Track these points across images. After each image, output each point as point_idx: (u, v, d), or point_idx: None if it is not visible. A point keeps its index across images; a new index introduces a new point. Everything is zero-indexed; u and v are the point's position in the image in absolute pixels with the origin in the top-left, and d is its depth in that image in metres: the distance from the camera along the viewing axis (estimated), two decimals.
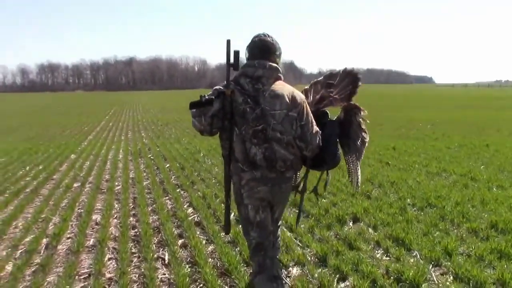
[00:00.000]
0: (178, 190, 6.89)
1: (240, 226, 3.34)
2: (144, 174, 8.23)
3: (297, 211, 3.45)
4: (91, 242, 4.73)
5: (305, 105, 2.94)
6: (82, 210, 5.92)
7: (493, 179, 7.14)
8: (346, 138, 3.14)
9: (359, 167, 3.22)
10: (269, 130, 2.83)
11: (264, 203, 2.98)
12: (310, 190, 3.36)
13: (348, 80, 3.29)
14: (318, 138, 2.97)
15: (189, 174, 8.06)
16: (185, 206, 5.97)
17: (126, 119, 24.38)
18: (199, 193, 6.64)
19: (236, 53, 2.77)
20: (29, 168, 9.19)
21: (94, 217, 5.63)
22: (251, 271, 3.55)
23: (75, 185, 7.50)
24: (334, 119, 3.20)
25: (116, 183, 7.50)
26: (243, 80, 2.88)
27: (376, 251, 4.26)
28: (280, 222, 3.35)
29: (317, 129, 2.99)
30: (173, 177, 7.88)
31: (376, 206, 5.67)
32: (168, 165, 9.04)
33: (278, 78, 2.94)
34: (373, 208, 5.60)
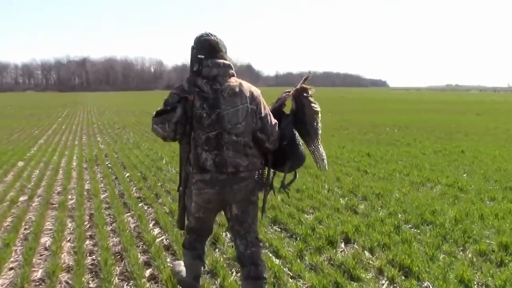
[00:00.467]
0: (141, 204, 6.13)
1: (186, 216, 3.22)
2: (102, 185, 7.40)
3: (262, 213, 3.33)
4: (38, 274, 3.92)
5: (261, 98, 3.03)
6: (28, 231, 5.08)
7: (483, 190, 6.72)
8: (302, 125, 3.09)
9: (322, 149, 3.15)
10: (224, 134, 2.86)
11: (210, 205, 3.00)
12: (279, 187, 3.30)
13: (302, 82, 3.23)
14: (277, 129, 3.02)
15: (152, 185, 7.28)
16: (151, 225, 5.23)
17: (80, 121, 23.10)
18: (165, 208, 5.91)
19: (200, 60, 2.85)
20: None
21: (43, 239, 4.80)
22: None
23: (21, 199, 6.60)
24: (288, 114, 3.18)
25: (70, 196, 6.64)
26: (200, 82, 2.89)
27: (381, 282, 3.67)
28: (254, 230, 3.18)
29: (275, 120, 3.05)
30: (134, 188, 7.09)
31: (367, 224, 5.10)
32: (128, 174, 8.23)
33: (232, 75, 2.99)
34: (364, 225, 5.03)
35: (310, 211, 5.76)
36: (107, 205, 6.11)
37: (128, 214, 5.71)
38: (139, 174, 8.24)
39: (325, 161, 3.15)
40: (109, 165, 9.33)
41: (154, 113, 2.87)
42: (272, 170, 3.21)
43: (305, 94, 3.09)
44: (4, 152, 11.44)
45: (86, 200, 6.44)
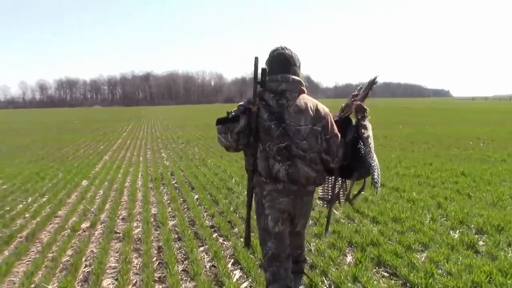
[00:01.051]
0: (215, 235, 5.32)
1: (258, 236, 3.18)
2: (169, 209, 6.69)
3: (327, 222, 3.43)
4: None
5: (329, 118, 3.01)
6: (89, 269, 4.38)
7: None
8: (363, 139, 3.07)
9: (377, 166, 2.97)
10: (293, 147, 2.86)
11: (284, 215, 2.99)
12: (345, 199, 3.34)
13: (369, 86, 3.33)
14: (342, 149, 3.02)
15: (224, 210, 6.47)
16: (230, 266, 4.39)
17: (145, 136, 22.95)
18: (241, 240, 5.07)
19: (264, 71, 2.82)
20: (31, 199, 7.68)
21: (105, 283, 4.07)
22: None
23: (83, 225, 5.99)
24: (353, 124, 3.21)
25: (135, 224, 5.96)
26: (267, 96, 2.92)
27: None
28: (305, 237, 3.37)
29: (341, 140, 3.06)
30: (205, 214, 6.32)
31: (499, 269, 4.01)
32: (196, 197, 7.49)
33: (302, 92, 2.98)
34: (499, 272, 3.94)
35: (419, 248, 4.72)
36: (176, 236, 5.36)
37: (202, 248, 4.90)
38: (209, 196, 7.46)
39: (378, 179, 2.95)
40: (175, 185, 8.65)
41: (216, 120, 2.87)
42: (338, 185, 3.34)
43: (360, 116, 3.16)
44: (69, 170, 11.06)
45: (153, 228, 5.72)
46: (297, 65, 2.99)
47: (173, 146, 16.72)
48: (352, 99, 3.33)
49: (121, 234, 5.49)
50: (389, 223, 5.58)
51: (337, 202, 3.41)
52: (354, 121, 3.24)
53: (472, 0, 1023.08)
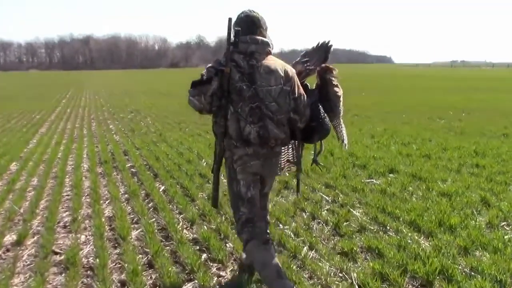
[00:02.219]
0: (203, 257, 3.70)
1: (230, 201, 3.26)
2: (129, 209, 4.99)
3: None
4: None
5: (296, 78, 3.12)
6: None
7: None
8: (327, 102, 3.22)
9: (343, 125, 3.37)
10: (263, 107, 2.92)
11: (256, 177, 3.08)
12: (311, 163, 3.47)
13: (321, 51, 3.47)
14: (308, 109, 3.12)
15: (203, 208, 4.85)
16: None
17: (88, 103, 20.57)
18: (238, 254, 3.53)
19: (237, 32, 2.82)
20: None
21: None
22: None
23: (6, 240, 4.19)
24: (313, 88, 3.31)
25: (83, 237, 4.23)
26: (237, 57, 2.93)
27: None
28: (269, 197, 3.49)
29: (307, 100, 3.15)
30: (180, 218, 4.66)
31: None
32: (163, 188, 5.80)
33: (269, 53, 3.05)
34: None
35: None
36: (146, 260, 3.69)
37: (190, 285, 3.27)
38: (179, 188, 5.78)
39: (346, 137, 3.38)
40: (132, 170, 6.88)
41: (191, 82, 2.91)
42: (300, 145, 3.40)
43: (328, 76, 3.25)
44: None
45: (111, 245, 4.02)
46: (264, 27, 3.04)
47: (121, 116, 14.72)
48: (305, 65, 3.43)
49: (63, 258, 3.74)
50: (439, 232, 4.13)
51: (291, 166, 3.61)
52: (314, 85, 3.34)
53: None
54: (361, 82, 35.04)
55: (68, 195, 5.63)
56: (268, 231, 3.21)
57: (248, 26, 2.96)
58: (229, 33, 2.77)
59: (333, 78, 3.24)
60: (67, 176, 6.58)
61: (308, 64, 3.43)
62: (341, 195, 5.34)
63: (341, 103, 3.26)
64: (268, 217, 3.40)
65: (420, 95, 22.71)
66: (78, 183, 6.06)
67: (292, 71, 3.09)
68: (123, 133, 10.86)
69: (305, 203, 5.06)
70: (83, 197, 5.49)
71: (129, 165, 7.23)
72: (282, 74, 2.98)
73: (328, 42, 3.45)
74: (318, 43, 3.49)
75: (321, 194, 5.41)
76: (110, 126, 12.24)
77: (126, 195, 5.55)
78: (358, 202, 5.11)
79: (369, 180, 6.02)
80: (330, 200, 5.21)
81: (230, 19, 2.79)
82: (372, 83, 34.96)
